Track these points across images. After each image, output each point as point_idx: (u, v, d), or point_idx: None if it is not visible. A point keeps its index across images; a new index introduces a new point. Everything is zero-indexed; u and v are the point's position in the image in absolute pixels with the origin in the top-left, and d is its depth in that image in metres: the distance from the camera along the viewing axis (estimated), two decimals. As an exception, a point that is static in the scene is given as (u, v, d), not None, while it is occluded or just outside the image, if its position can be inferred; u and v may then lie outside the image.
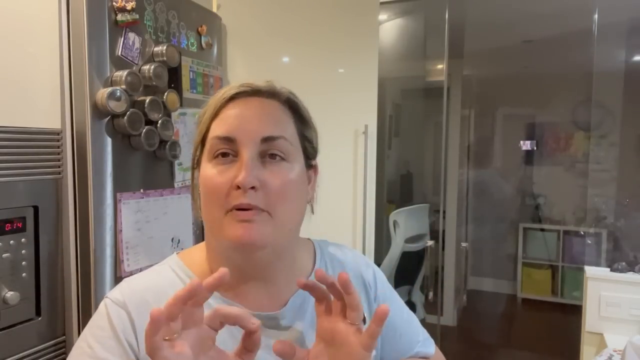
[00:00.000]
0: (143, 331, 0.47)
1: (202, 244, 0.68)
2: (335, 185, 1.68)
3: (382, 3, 1.86)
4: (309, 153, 0.67)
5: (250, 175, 0.56)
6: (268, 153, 0.59)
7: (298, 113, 0.66)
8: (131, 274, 1.24)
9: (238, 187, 0.56)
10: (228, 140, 0.59)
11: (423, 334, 0.79)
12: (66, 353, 1.15)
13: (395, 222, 2.65)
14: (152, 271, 0.66)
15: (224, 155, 0.59)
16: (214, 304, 0.57)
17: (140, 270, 1.26)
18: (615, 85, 3.19)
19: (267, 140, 0.59)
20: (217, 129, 0.60)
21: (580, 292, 1.59)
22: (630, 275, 1.52)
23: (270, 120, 0.61)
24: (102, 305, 0.61)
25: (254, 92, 0.64)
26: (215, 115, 0.62)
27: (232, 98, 0.62)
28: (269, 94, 0.65)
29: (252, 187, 0.56)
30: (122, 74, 1.16)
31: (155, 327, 0.44)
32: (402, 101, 3.52)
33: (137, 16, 1.21)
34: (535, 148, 4.26)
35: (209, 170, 0.59)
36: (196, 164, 0.64)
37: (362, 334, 0.54)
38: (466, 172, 4.06)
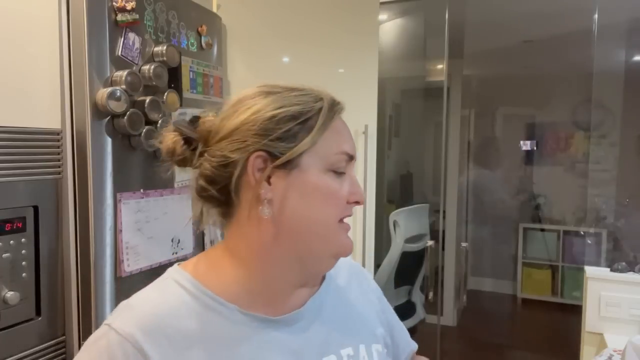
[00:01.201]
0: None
1: (207, 258, 0.64)
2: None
3: (382, 3, 1.86)
4: None
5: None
6: None
7: None
8: (131, 274, 1.24)
9: (354, 202, 0.61)
10: (351, 158, 0.61)
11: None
12: (66, 353, 1.15)
13: (395, 222, 2.65)
14: (155, 290, 0.61)
15: (340, 174, 0.59)
16: (229, 314, 0.57)
17: (141, 270, 1.27)
18: (615, 85, 3.19)
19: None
20: (342, 144, 0.60)
21: (580, 292, 1.59)
22: (630, 275, 1.52)
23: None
24: (102, 335, 0.55)
25: (342, 109, 0.64)
26: (326, 127, 0.59)
27: (336, 111, 0.62)
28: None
29: None
30: (122, 74, 1.16)
31: None
32: (402, 101, 3.52)
33: (137, 16, 1.21)
34: (535, 148, 4.26)
35: (329, 180, 0.58)
36: (294, 165, 0.58)
37: None
38: (466, 172, 4.07)
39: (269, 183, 0.57)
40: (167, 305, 0.57)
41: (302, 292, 0.63)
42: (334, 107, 0.61)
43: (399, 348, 0.76)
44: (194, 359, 0.54)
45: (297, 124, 0.57)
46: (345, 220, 0.61)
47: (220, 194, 0.59)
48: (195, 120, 0.62)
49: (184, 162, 0.61)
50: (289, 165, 0.57)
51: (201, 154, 0.60)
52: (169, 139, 0.61)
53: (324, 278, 0.68)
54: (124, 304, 0.59)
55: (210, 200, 0.61)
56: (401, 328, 0.78)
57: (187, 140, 0.61)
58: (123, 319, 0.55)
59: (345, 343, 0.64)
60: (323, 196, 0.58)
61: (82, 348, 0.56)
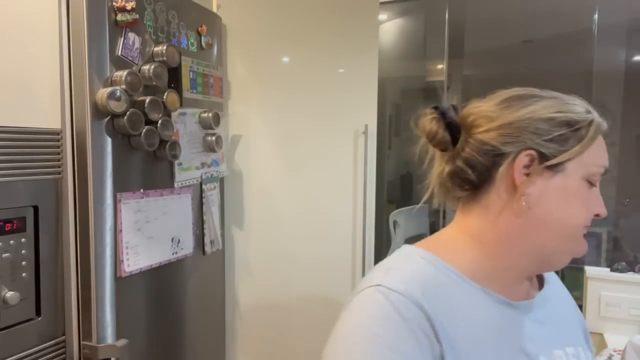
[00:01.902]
0: (445, 322, 0.54)
1: (440, 240, 0.67)
2: (335, 185, 1.68)
3: (382, 3, 1.86)
4: None
5: None
6: None
7: None
8: (131, 274, 1.24)
9: (596, 214, 0.63)
10: (605, 173, 0.63)
11: None
12: (66, 353, 1.15)
13: (395, 222, 2.65)
14: (405, 262, 0.63)
15: (591, 186, 0.62)
16: (473, 291, 0.61)
17: (141, 270, 1.27)
18: (615, 85, 3.19)
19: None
20: (604, 160, 0.63)
21: (580, 292, 1.59)
22: (630, 275, 1.52)
23: None
24: (374, 293, 0.57)
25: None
26: (593, 140, 0.62)
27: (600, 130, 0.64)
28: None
29: None
30: (122, 74, 1.16)
31: None
32: (402, 101, 3.52)
33: (137, 16, 1.21)
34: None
35: (586, 188, 0.62)
36: (560, 168, 0.61)
37: None
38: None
39: (530, 177, 0.61)
40: (428, 273, 0.60)
41: (526, 285, 0.67)
42: (602, 124, 0.64)
43: None
44: (465, 325, 0.57)
45: (570, 130, 0.61)
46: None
47: (477, 178, 0.63)
48: (454, 108, 0.67)
49: (441, 145, 0.66)
50: (555, 167, 0.60)
51: (465, 140, 0.64)
52: (430, 122, 0.65)
53: (541, 277, 0.72)
54: (384, 268, 0.61)
55: (461, 182, 0.65)
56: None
57: (449, 125, 0.65)
58: (394, 280, 0.58)
59: (568, 342, 0.67)
60: (580, 202, 0.61)
61: (354, 311, 0.58)
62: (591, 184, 0.62)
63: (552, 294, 0.71)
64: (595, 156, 0.62)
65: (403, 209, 2.80)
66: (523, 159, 0.60)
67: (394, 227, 2.66)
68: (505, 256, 0.63)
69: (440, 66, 3.04)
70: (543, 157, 0.60)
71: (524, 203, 0.60)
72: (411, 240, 2.74)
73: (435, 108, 0.66)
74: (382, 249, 2.58)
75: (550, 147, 0.60)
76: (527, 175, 0.60)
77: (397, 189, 3.39)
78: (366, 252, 1.66)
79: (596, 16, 2.53)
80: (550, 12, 2.77)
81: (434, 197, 0.70)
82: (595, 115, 0.64)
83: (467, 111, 0.66)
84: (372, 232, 1.68)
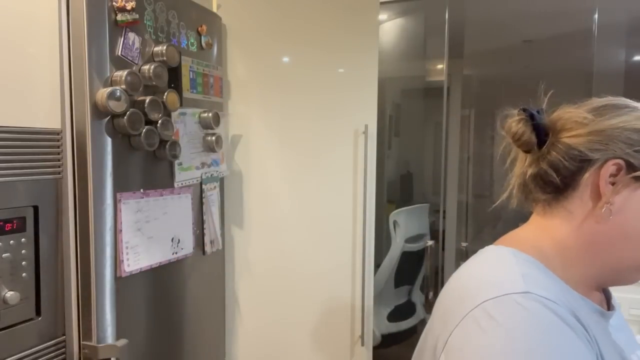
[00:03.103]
0: (586, 322, 0.54)
1: (526, 239, 0.66)
2: (335, 185, 1.68)
3: (382, 3, 1.86)
4: None
5: None
6: None
7: None
8: (131, 274, 1.24)
9: None
10: None
11: None
12: (66, 353, 1.15)
13: (395, 222, 2.65)
14: (528, 266, 0.60)
15: None
16: (578, 298, 0.61)
17: (141, 270, 1.27)
18: (615, 85, 3.18)
19: None
20: None
21: (580, 292, 1.59)
22: (630, 275, 1.52)
23: None
24: (531, 302, 0.52)
25: None
26: None
27: None
28: None
29: None
30: (122, 74, 1.16)
31: None
32: (402, 101, 3.52)
33: (137, 16, 1.21)
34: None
35: None
36: (629, 169, 0.60)
37: None
38: (466, 172, 4.06)
39: (615, 186, 0.60)
40: (553, 281, 0.59)
41: (597, 294, 0.67)
42: None
43: None
44: (589, 334, 0.55)
45: None
46: None
47: (561, 182, 0.63)
48: (542, 111, 0.67)
49: (526, 146, 0.66)
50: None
51: (552, 143, 0.64)
52: (516, 123, 0.66)
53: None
54: (515, 274, 0.57)
55: (545, 184, 0.65)
56: None
57: (536, 127, 0.65)
58: (539, 287, 0.54)
59: (635, 348, 0.69)
60: None
61: (496, 318, 0.52)
62: None
63: (615, 303, 0.74)
64: None
65: (403, 209, 2.80)
66: (610, 167, 0.59)
67: (394, 227, 2.66)
68: (587, 263, 0.63)
69: (440, 66, 3.04)
70: (631, 167, 0.59)
71: (604, 210, 0.59)
72: (411, 239, 2.72)
73: (524, 110, 0.66)
74: (382, 249, 2.58)
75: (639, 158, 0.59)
76: (613, 184, 0.59)
77: (397, 189, 3.39)
78: (366, 252, 1.66)
79: (596, 16, 2.53)
80: (550, 12, 2.77)
81: (511, 197, 0.71)
82: None
83: (557, 115, 0.66)
84: (372, 232, 1.68)
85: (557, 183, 0.63)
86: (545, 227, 0.65)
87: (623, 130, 0.60)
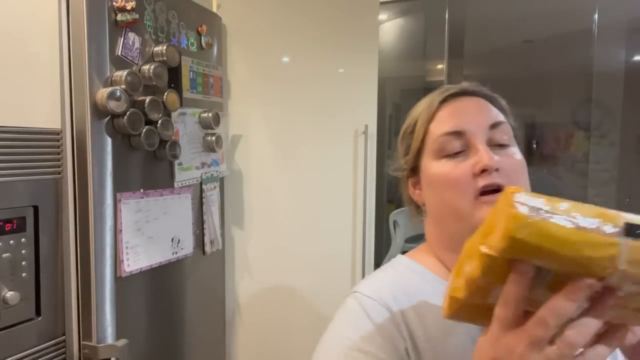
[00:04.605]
0: (412, 320, 0.59)
1: (422, 246, 0.74)
2: (335, 185, 1.68)
3: (382, 3, 1.86)
4: (518, 140, 0.69)
5: (493, 157, 0.59)
6: (495, 142, 0.62)
7: (498, 104, 0.69)
8: (131, 274, 1.24)
9: (482, 171, 0.59)
10: (458, 134, 0.62)
11: None
12: (66, 353, 1.15)
13: (395, 222, 2.65)
14: (385, 269, 0.70)
15: (456, 154, 0.62)
16: (439, 286, 0.64)
17: (141, 270, 1.27)
18: (615, 85, 3.19)
19: (495, 126, 0.62)
20: (442, 127, 0.64)
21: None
22: (630, 275, 1.51)
23: (489, 109, 0.65)
24: (352, 300, 0.64)
25: (461, 92, 0.67)
26: (431, 119, 0.66)
27: (444, 101, 0.66)
28: (472, 92, 0.68)
29: (496, 169, 0.59)
30: (122, 73, 1.16)
31: None
32: (402, 101, 3.52)
33: (137, 16, 1.21)
34: (535, 148, 4.26)
35: (441, 167, 0.63)
36: (410, 173, 0.70)
37: None
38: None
39: (417, 189, 0.70)
40: (404, 279, 0.67)
41: None
42: (432, 103, 0.67)
43: None
44: (432, 319, 0.61)
45: (409, 135, 0.69)
46: (485, 192, 0.60)
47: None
48: None
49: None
50: (415, 170, 0.69)
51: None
52: None
53: None
54: (367, 278, 0.70)
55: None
56: None
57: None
58: (367, 287, 0.65)
59: None
60: (439, 183, 0.63)
61: (335, 317, 0.65)
62: (453, 155, 0.63)
63: None
64: (432, 134, 0.66)
65: (403, 208, 2.80)
66: (407, 177, 0.72)
67: (394, 227, 2.65)
68: (439, 255, 0.69)
69: (440, 66, 3.04)
70: (411, 172, 0.70)
71: (422, 210, 0.71)
72: (411, 239, 2.73)
73: None
74: (382, 249, 2.58)
75: (406, 160, 0.70)
76: (417, 188, 0.71)
77: (397, 189, 3.39)
78: (366, 252, 1.66)
79: (596, 16, 2.53)
80: (550, 12, 2.77)
81: None
82: (424, 104, 0.69)
83: None
84: (372, 232, 1.68)
85: (414, 202, 0.75)
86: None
87: (399, 146, 0.73)
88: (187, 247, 1.47)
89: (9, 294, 1.01)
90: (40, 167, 1.08)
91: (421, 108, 0.69)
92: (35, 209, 1.08)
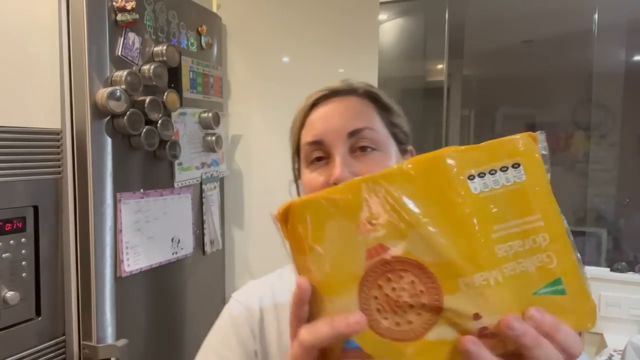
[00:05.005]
0: (268, 323, 0.63)
1: None
2: (335, 185, 1.68)
3: (382, 3, 1.86)
4: (401, 139, 0.69)
5: (344, 170, 0.59)
6: (358, 146, 0.62)
7: (379, 102, 0.69)
8: (131, 274, 1.24)
9: (335, 184, 0.59)
10: (317, 143, 0.63)
11: None
12: (66, 353, 1.15)
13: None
14: (269, 275, 0.76)
15: (319, 159, 0.63)
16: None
17: (141, 270, 1.27)
18: (615, 85, 3.19)
19: (353, 134, 0.62)
20: (306, 136, 0.65)
21: (580, 292, 1.59)
22: (630, 275, 1.52)
23: (351, 114, 0.64)
24: (226, 304, 0.70)
25: (332, 94, 0.67)
26: (302, 125, 0.67)
27: (315, 104, 0.66)
28: (346, 91, 0.68)
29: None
30: (122, 74, 1.16)
31: None
32: (402, 101, 3.52)
33: (137, 16, 1.21)
34: (535, 148, 4.25)
35: (307, 175, 0.64)
36: (298, 175, 0.71)
37: None
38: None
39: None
40: (273, 283, 0.72)
41: None
42: (313, 102, 0.67)
43: None
44: (277, 316, 0.67)
45: (292, 134, 0.70)
46: None
47: None
48: None
49: None
50: (299, 175, 0.69)
51: None
52: None
53: None
54: (247, 284, 0.75)
55: None
56: None
57: None
58: (241, 291, 0.71)
59: None
60: (306, 192, 0.65)
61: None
62: (315, 163, 0.64)
63: None
64: (302, 143, 0.67)
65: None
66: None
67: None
68: None
69: (440, 66, 3.05)
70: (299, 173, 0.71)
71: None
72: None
73: None
74: (382, 249, 2.57)
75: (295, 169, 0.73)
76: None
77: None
78: (366, 252, 1.66)
79: (596, 16, 2.53)
80: (550, 12, 2.77)
81: None
82: (302, 105, 0.69)
83: None
84: (372, 232, 1.68)
85: None
86: None
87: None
88: (187, 247, 1.47)
89: (9, 294, 1.01)
90: (40, 167, 1.08)
91: (298, 110, 0.69)
92: (35, 209, 1.08)
